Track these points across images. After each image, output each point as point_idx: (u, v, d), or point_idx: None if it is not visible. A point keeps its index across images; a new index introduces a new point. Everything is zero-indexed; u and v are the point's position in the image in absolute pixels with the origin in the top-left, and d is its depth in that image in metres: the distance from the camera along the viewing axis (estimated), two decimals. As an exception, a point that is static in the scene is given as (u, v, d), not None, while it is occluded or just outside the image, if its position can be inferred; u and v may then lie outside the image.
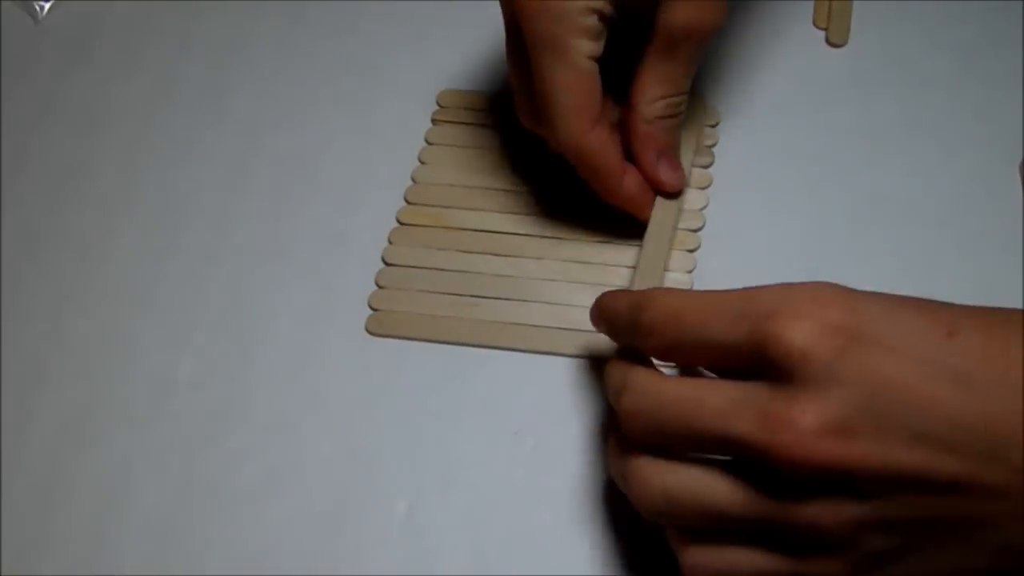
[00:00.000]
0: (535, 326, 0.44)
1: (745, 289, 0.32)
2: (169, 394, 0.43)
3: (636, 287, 0.43)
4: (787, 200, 0.47)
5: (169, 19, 0.55)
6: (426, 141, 0.50)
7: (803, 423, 0.29)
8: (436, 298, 0.45)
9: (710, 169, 0.48)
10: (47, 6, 0.55)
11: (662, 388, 0.33)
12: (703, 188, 0.47)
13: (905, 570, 0.31)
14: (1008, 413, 0.29)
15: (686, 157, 0.46)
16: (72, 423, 0.43)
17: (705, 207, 0.47)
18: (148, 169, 0.50)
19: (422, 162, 0.49)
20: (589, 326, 0.44)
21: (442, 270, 0.46)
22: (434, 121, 0.50)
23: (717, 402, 0.32)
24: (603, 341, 0.43)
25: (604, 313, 0.38)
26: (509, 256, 0.46)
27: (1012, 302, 0.43)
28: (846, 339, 0.30)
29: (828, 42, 0.52)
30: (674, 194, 0.45)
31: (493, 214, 0.47)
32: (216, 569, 0.40)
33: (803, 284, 0.32)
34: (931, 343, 0.30)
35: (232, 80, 0.53)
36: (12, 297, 0.46)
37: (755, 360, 0.31)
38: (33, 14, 0.55)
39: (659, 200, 0.45)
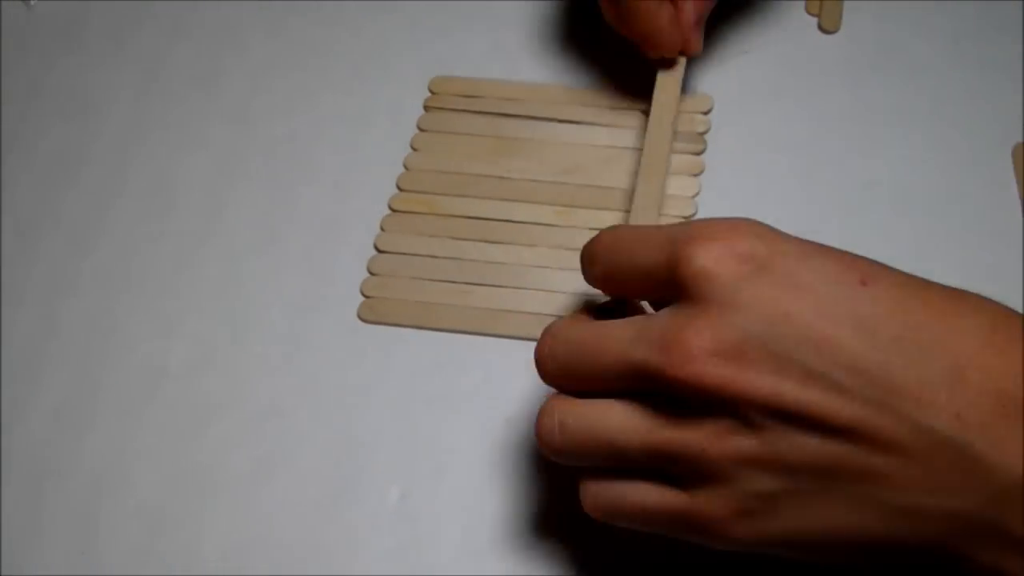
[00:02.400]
0: (528, 313, 0.44)
1: (680, 222, 0.33)
2: (161, 381, 0.44)
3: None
4: (780, 186, 0.48)
5: (161, 5, 0.55)
6: (418, 128, 0.50)
7: (696, 343, 0.30)
8: (429, 285, 0.45)
9: (702, 156, 0.48)
10: (39, -8, 0.55)
11: (572, 329, 0.34)
12: (695, 175, 0.48)
13: (792, 521, 0.30)
14: (908, 368, 0.29)
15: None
16: (63, 410, 0.43)
17: (697, 194, 0.47)
18: (139, 155, 0.50)
19: (414, 149, 0.49)
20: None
21: (435, 257, 0.46)
22: (426, 107, 0.51)
23: (622, 334, 0.32)
24: None
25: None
26: (501, 243, 0.46)
27: (1009, 286, 0.44)
28: (752, 267, 0.30)
29: (820, 28, 0.52)
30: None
31: (485, 201, 0.47)
32: (209, 556, 0.40)
33: (728, 218, 0.32)
34: (841, 287, 0.30)
35: (223, 66, 0.53)
36: (3, 284, 0.47)
37: (669, 284, 0.31)
38: (25, 0, 0.55)
39: (649, 135, 0.46)
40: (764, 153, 0.48)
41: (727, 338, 0.30)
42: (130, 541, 0.40)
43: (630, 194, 0.45)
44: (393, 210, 0.47)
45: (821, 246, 0.32)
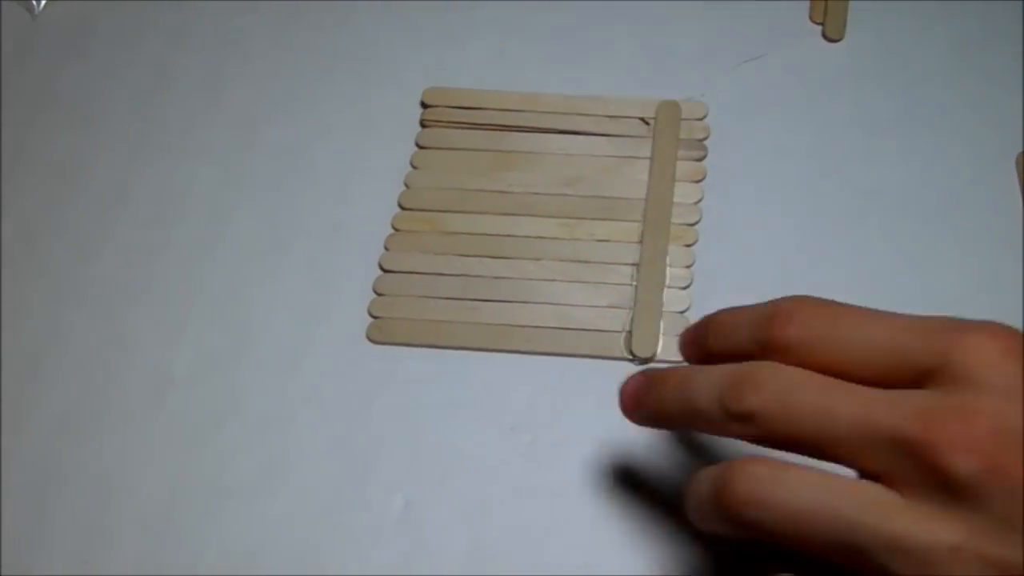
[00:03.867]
0: (536, 327, 0.45)
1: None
2: (166, 389, 0.44)
3: (641, 290, 0.45)
4: (783, 193, 0.48)
5: (164, 14, 0.56)
6: (416, 145, 0.50)
7: (975, 419, 0.28)
8: (436, 303, 0.46)
9: (704, 162, 0.48)
10: (44, 2, 0.56)
11: (796, 384, 0.30)
12: (697, 181, 0.48)
13: None
14: None
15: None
16: (68, 418, 0.44)
17: (700, 200, 0.48)
18: (144, 163, 0.51)
19: (414, 166, 0.50)
20: (589, 325, 0.45)
21: (441, 275, 0.47)
22: (423, 124, 0.51)
23: (864, 397, 0.29)
24: (605, 339, 0.44)
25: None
26: (507, 258, 0.47)
27: (1010, 295, 0.44)
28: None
29: (825, 36, 0.53)
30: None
31: (488, 216, 0.48)
32: (213, 563, 0.41)
33: (981, 320, 0.30)
34: None
35: (227, 75, 0.54)
36: (9, 291, 0.47)
37: (924, 365, 0.29)
38: (30, 9, 0.56)
39: (649, 202, 0.47)
40: (767, 160, 0.49)
41: (1006, 425, 0.28)
42: (133, 549, 0.41)
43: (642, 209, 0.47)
44: (397, 229, 0.48)
45: None
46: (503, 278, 0.46)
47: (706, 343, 0.34)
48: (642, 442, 0.42)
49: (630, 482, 0.41)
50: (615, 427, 0.42)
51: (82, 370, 0.45)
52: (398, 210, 0.48)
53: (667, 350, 0.44)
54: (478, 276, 0.46)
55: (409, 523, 0.41)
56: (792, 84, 0.51)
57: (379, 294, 0.46)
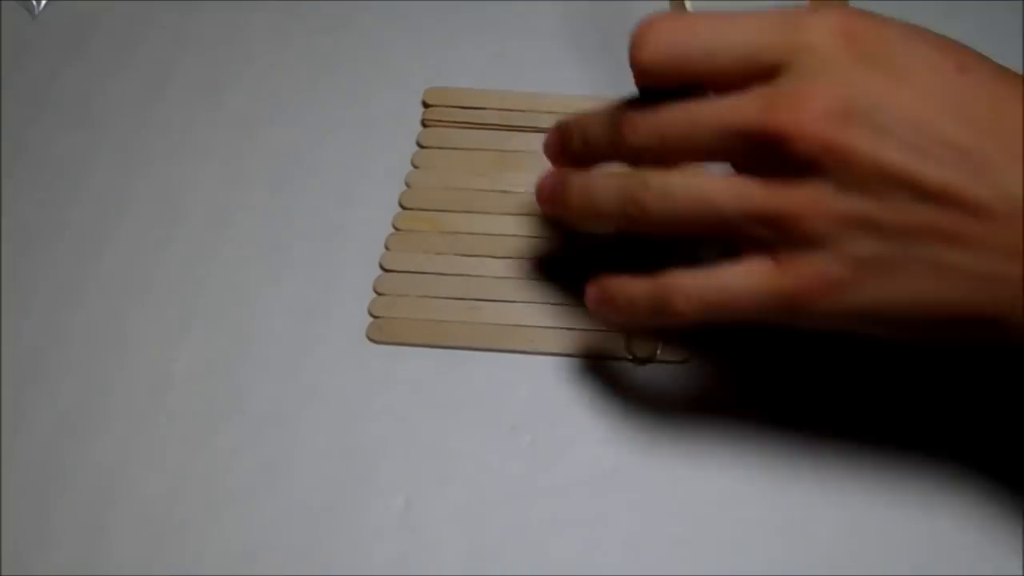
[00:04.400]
0: (537, 327, 0.45)
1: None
2: (166, 389, 0.45)
3: None
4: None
5: (165, 14, 0.56)
6: (418, 144, 0.51)
7: (807, 104, 0.32)
8: (437, 303, 0.46)
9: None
10: (44, 2, 0.56)
11: (661, 102, 0.35)
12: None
13: (876, 291, 0.33)
14: (998, 146, 0.32)
15: None
16: (68, 418, 0.44)
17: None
18: (144, 163, 0.51)
19: (415, 166, 0.50)
20: (589, 325, 0.45)
21: (441, 274, 0.47)
22: (424, 123, 0.51)
23: (722, 103, 0.34)
24: (608, 338, 0.44)
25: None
26: (508, 258, 0.47)
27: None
28: (863, 47, 0.32)
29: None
30: None
31: (489, 216, 0.48)
32: (213, 564, 0.41)
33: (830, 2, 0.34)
34: (940, 75, 0.33)
35: (227, 75, 0.54)
36: (8, 292, 0.47)
37: (774, 60, 0.33)
38: (30, 9, 0.56)
39: None
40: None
41: (836, 105, 0.32)
42: (134, 549, 0.41)
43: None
44: (397, 228, 0.48)
45: (919, 29, 0.34)
46: (504, 278, 0.46)
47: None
48: (642, 442, 0.42)
49: (629, 481, 0.42)
50: (615, 427, 0.43)
51: (82, 370, 0.45)
52: (399, 209, 0.49)
53: (667, 350, 0.44)
54: (479, 276, 0.46)
55: (409, 523, 0.41)
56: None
57: (379, 294, 0.46)
